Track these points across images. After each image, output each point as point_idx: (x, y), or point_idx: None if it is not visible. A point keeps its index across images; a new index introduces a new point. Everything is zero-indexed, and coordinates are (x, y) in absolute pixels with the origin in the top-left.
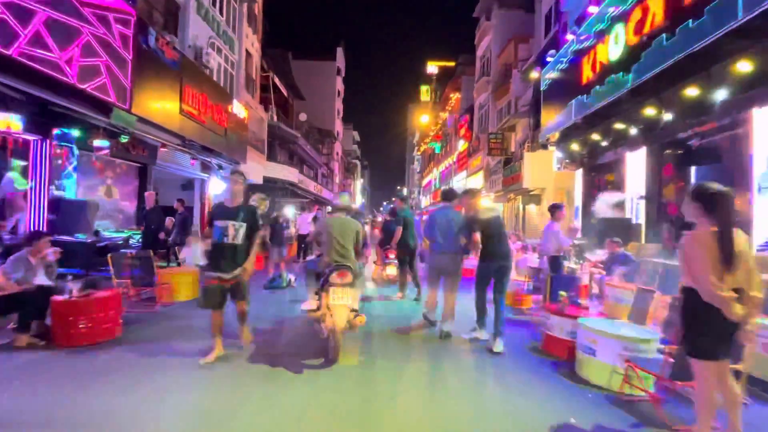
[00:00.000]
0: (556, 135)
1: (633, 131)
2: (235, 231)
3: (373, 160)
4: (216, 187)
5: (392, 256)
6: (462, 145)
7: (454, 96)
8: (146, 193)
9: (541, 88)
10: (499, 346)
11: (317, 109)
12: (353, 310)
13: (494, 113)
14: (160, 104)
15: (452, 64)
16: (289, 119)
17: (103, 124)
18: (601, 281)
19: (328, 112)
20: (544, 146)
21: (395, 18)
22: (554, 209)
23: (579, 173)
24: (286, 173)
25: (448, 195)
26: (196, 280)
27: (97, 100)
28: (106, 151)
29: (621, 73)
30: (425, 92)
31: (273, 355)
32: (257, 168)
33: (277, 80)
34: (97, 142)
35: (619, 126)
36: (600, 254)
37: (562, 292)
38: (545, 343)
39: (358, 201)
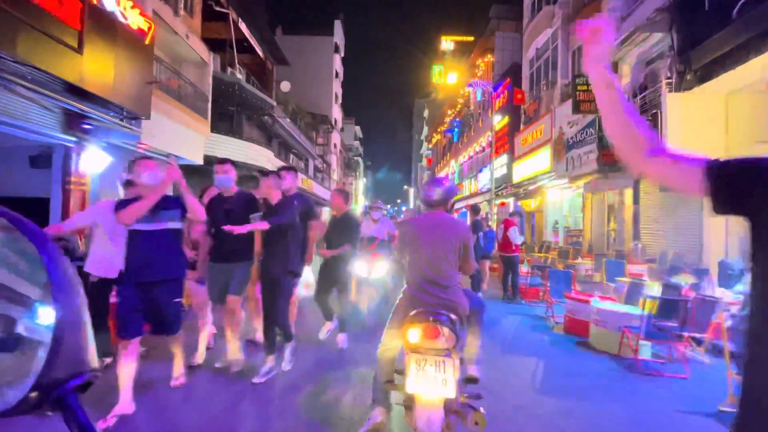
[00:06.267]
0: None
1: None
2: None
3: (375, 161)
4: (96, 164)
5: None
6: (499, 121)
7: (484, 61)
8: None
9: None
10: None
11: (311, 92)
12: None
13: (567, 55)
14: None
15: (470, 38)
16: (268, 89)
17: None
18: None
19: (325, 95)
20: None
21: None
22: None
23: None
24: (252, 153)
25: None
26: None
27: None
28: None
29: None
30: (438, 73)
31: None
32: (192, 140)
33: (244, 27)
34: None
35: None
36: None
37: None
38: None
39: (361, 203)
